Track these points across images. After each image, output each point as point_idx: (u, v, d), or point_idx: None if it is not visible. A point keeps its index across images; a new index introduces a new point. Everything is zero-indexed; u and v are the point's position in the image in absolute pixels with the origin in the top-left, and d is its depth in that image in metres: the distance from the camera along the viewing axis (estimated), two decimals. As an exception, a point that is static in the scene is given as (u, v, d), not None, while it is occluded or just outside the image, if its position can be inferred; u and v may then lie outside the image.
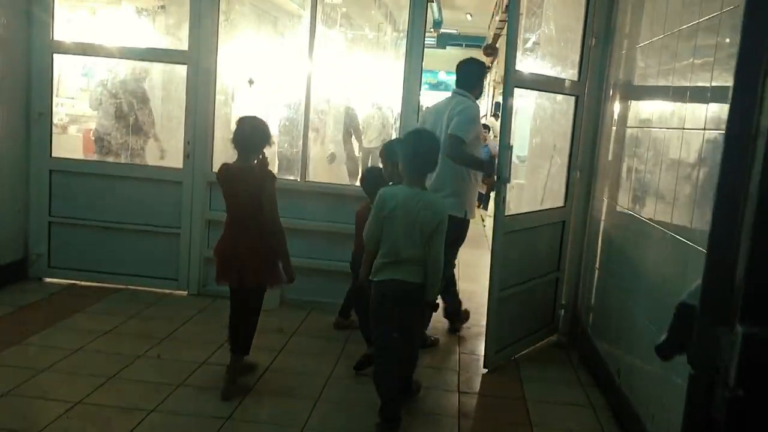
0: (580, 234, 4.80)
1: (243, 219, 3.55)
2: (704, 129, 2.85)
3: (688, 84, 3.18)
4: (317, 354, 4.26)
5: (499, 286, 4.18)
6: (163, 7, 8.29)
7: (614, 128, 4.44)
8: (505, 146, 4.08)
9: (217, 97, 5.31)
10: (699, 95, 3.00)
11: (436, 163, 3.47)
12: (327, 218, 5.14)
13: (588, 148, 4.71)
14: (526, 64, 8.05)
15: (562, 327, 4.91)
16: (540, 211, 4.74)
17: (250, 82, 5.40)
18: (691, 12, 3.20)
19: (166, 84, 6.88)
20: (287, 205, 5.02)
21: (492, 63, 21.28)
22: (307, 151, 5.16)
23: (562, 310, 4.90)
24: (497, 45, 18.78)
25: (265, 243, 3.54)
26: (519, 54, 4.23)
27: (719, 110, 2.75)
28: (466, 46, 26.50)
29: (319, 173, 6.33)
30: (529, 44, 9.24)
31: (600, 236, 4.50)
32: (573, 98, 4.70)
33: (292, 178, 5.29)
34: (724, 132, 2.60)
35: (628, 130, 4.15)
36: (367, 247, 3.33)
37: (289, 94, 5.56)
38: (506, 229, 4.14)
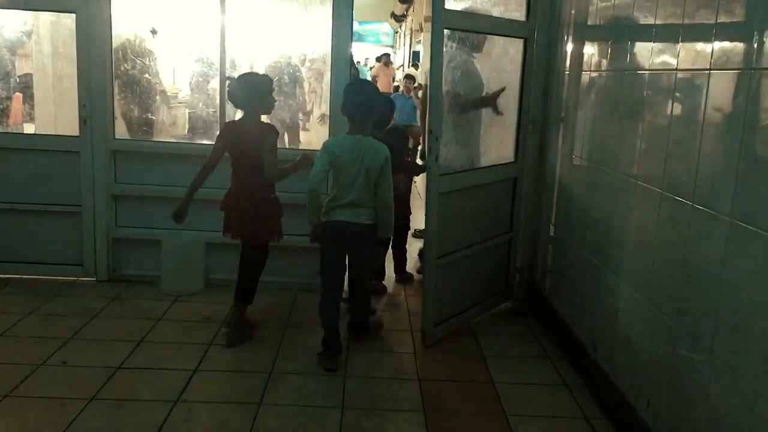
0: (534, 191, 4.41)
1: (244, 174, 3.63)
2: (675, 70, 2.49)
3: (653, 22, 2.82)
4: (253, 346, 3.71)
5: (436, 254, 3.75)
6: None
7: (568, 73, 4.04)
8: (436, 98, 3.60)
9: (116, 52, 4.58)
10: (666, 34, 2.68)
11: (373, 110, 3.60)
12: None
13: (539, 96, 4.29)
14: (455, 3, 7.53)
15: (518, 292, 4.54)
16: (484, 168, 4.29)
17: (153, 32, 4.65)
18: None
19: (53, 37, 6.02)
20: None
21: (407, 11, 20.70)
22: (225, 112, 4.51)
23: (517, 274, 4.53)
24: (412, -9, 18.20)
25: (265, 198, 3.66)
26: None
27: (691, 49, 2.43)
28: (378, -6, 25.76)
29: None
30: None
31: (556, 192, 4.13)
32: (521, 41, 4.24)
33: (208, 142, 4.63)
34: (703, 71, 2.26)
35: (585, 75, 3.76)
36: (315, 192, 3.46)
37: (201, 45, 4.84)
38: (442, 189, 3.70)
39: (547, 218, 4.26)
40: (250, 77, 3.70)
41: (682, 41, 2.54)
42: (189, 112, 5.10)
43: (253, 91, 3.59)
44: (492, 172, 4.22)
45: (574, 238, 3.78)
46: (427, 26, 15.32)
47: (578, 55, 3.90)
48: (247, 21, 4.73)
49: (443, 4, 3.56)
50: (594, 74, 3.64)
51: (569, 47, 4.03)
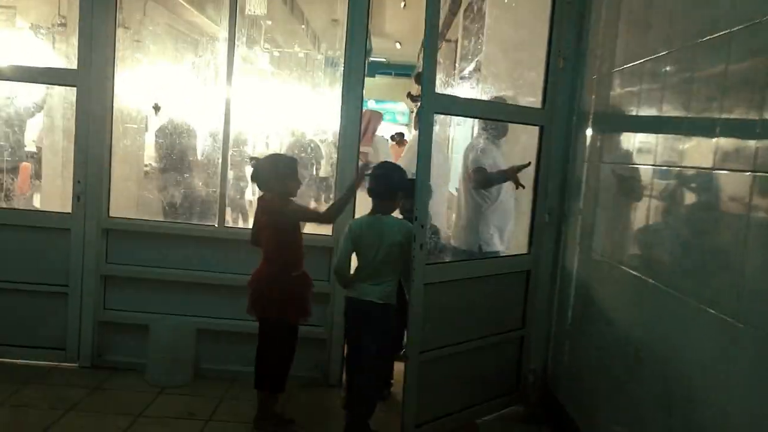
0: (549, 286, 4.12)
1: (266, 250, 3.57)
2: (712, 168, 2.27)
3: (680, 114, 2.63)
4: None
5: (419, 348, 3.44)
6: (63, 24, 7.37)
7: (587, 164, 3.82)
8: (423, 184, 3.33)
9: (122, 126, 4.45)
10: (695, 128, 2.50)
11: (398, 193, 3.61)
12: (251, 270, 4.29)
13: (557, 186, 4.06)
14: (464, 90, 7.46)
15: (531, 395, 4.18)
16: (486, 259, 4.04)
17: (156, 108, 4.54)
18: (685, 31, 2.63)
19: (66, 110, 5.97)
20: (203, 256, 4.23)
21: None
22: (226, 191, 4.32)
23: (531, 375, 4.18)
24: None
25: (275, 273, 3.51)
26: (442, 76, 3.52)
27: (723, 145, 2.25)
28: (396, 74, 26.14)
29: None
30: (467, 70, 8.69)
31: (574, 288, 3.84)
32: (537, 129, 4.04)
33: (208, 223, 4.42)
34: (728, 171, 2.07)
35: (606, 167, 3.53)
36: (340, 272, 3.57)
37: (207, 123, 4.72)
38: (428, 279, 3.41)
39: (564, 316, 3.96)
40: (273, 158, 3.64)
41: (720, 137, 2.30)
42: (186, 191, 4.90)
43: (275, 173, 3.50)
44: (497, 264, 3.97)
45: (593, 342, 3.47)
46: (443, 107, 15.38)
47: (599, 145, 3.69)
48: (255, 99, 4.61)
49: (433, 89, 3.38)
50: (615, 166, 3.41)
51: (589, 136, 3.82)
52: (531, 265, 4.07)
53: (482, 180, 4.24)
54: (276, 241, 3.51)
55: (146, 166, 7.06)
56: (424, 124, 3.33)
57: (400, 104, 27.88)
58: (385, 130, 24.81)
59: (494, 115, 3.99)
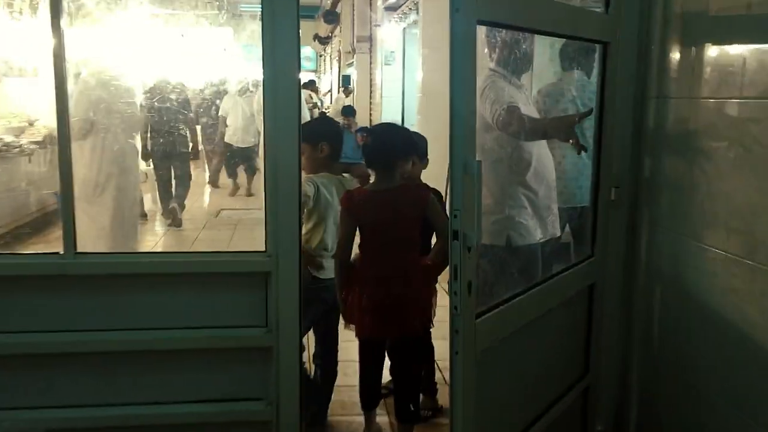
0: (621, 302, 2.60)
1: (391, 252, 2.70)
2: None
3: None
4: None
5: None
6: None
7: (675, 101, 2.31)
8: (469, 167, 1.71)
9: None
10: None
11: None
12: (136, 323, 2.56)
13: (628, 142, 2.50)
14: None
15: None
16: (554, 278, 2.46)
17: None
18: None
19: None
20: (48, 307, 2.55)
21: (333, 32, 19.10)
22: (71, 190, 2.51)
23: (599, 440, 2.69)
24: (337, 10, 16.60)
25: (419, 278, 2.71)
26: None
27: None
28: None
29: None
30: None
31: (660, 299, 2.36)
32: (598, 47, 2.44)
33: (51, 251, 2.64)
34: None
35: (712, 104, 2.13)
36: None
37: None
38: (484, 344, 1.84)
39: (655, 347, 2.47)
40: (389, 133, 3.00)
41: None
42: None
43: (392, 150, 2.77)
44: (563, 284, 2.38)
45: (710, 386, 2.01)
46: (360, 47, 13.62)
47: (699, 71, 2.19)
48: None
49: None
50: (734, 102, 2.01)
51: (681, 57, 2.29)
52: (596, 275, 2.51)
53: (519, 124, 2.62)
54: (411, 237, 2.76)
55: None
56: (458, 43, 1.60)
57: (306, 48, 25.89)
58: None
59: (554, 27, 2.33)
